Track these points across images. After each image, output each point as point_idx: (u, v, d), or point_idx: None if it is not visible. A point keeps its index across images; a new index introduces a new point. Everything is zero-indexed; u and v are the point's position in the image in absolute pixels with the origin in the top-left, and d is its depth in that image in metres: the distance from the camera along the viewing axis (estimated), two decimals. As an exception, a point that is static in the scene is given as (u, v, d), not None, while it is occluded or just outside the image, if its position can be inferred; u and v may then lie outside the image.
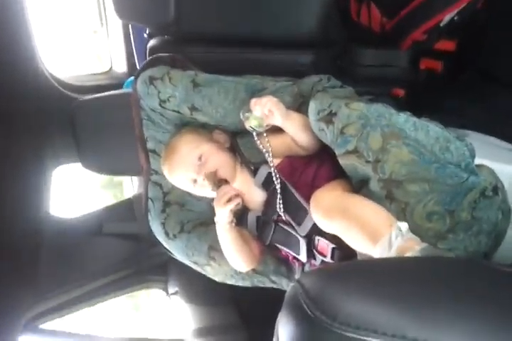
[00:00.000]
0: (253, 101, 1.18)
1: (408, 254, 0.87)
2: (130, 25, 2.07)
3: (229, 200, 1.21)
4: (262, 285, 1.46)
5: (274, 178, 1.21)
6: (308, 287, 0.59)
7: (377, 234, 0.93)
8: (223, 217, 1.25)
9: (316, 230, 1.14)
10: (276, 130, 1.22)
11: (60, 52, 2.64)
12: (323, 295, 0.57)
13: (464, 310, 0.53)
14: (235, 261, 1.33)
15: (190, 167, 1.26)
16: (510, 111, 1.30)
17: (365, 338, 0.51)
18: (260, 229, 1.31)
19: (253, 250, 1.34)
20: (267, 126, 1.19)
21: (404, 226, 0.92)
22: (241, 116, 1.20)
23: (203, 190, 1.28)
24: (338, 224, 1.01)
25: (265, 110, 1.15)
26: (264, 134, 1.22)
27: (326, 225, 1.05)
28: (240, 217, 1.34)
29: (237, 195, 1.22)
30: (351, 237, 1.00)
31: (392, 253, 0.89)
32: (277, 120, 1.17)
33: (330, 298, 0.56)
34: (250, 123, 1.19)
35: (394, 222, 0.95)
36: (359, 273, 0.62)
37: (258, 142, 1.23)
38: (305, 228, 1.18)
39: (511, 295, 0.57)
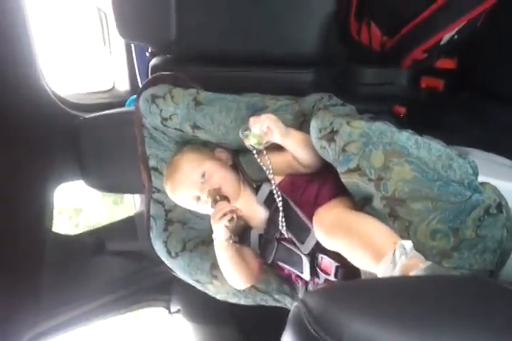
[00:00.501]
0: (252, 119, 1.18)
1: (412, 273, 0.86)
2: (132, 44, 2.10)
3: (224, 216, 1.20)
4: (265, 304, 1.45)
5: (275, 196, 1.21)
6: (311, 306, 0.58)
7: (380, 251, 0.93)
8: (219, 234, 1.24)
9: (319, 248, 1.13)
10: (277, 148, 1.22)
11: (63, 71, 2.66)
12: (327, 315, 0.56)
13: (468, 330, 0.52)
14: (232, 278, 1.33)
15: (193, 185, 1.26)
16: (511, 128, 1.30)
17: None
18: (263, 247, 1.30)
19: (252, 268, 1.33)
20: (266, 143, 1.19)
21: (408, 244, 0.91)
22: (240, 135, 1.21)
23: (206, 207, 1.27)
24: (341, 242, 1.01)
25: (263, 127, 1.15)
26: (264, 152, 1.22)
27: (328, 243, 1.04)
28: (243, 234, 1.34)
29: (232, 211, 1.21)
30: (354, 255, 0.99)
31: (396, 272, 0.88)
32: (276, 137, 1.17)
33: (334, 319, 0.55)
34: (249, 142, 1.19)
35: (397, 240, 0.94)
36: (362, 293, 0.62)
37: (258, 160, 1.23)
38: (308, 246, 1.17)
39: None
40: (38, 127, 1.69)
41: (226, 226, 1.21)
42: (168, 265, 1.47)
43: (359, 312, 0.57)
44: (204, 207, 1.29)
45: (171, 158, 1.39)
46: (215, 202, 1.23)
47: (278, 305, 1.44)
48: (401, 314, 0.56)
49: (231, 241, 1.26)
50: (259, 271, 1.36)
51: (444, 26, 1.26)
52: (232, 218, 1.20)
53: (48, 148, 1.76)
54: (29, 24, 1.56)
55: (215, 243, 1.28)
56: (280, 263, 1.30)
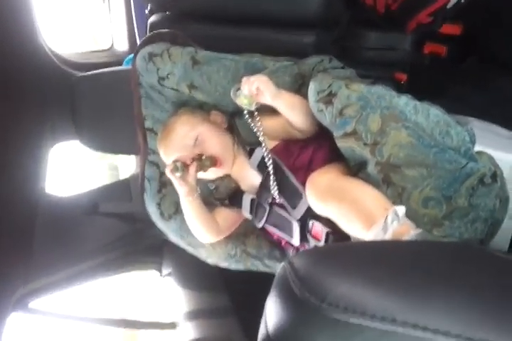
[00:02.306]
0: (244, 79, 1.16)
1: (403, 239, 0.86)
2: (132, 3, 2.05)
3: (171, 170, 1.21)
4: (256, 269, 1.45)
5: (266, 159, 1.19)
6: (297, 267, 0.57)
7: (371, 217, 0.92)
8: (178, 188, 1.25)
9: (310, 214, 1.13)
10: (272, 111, 1.20)
11: (61, 28, 2.62)
12: (312, 275, 0.55)
13: (456, 294, 0.51)
14: (195, 231, 1.34)
15: (185, 147, 1.24)
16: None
17: (353, 321, 0.50)
18: (255, 211, 1.30)
19: (223, 225, 1.36)
20: (256, 104, 1.17)
21: (401, 210, 0.90)
22: (232, 94, 1.19)
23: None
24: (333, 207, 1.00)
25: (253, 88, 1.13)
26: (256, 113, 1.20)
27: (320, 208, 1.03)
28: (234, 197, 1.34)
29: (186, 165, 1.21)
30: (345, 221, 0.98)
31: (387, 238, 0.88)
32: (266, 99, 1.15)
33: (319, 279, 0.54)
34: (240, 102, 1.17)
35: (389, 206, 0.94)
36: (350, 254, 0.61)
37: (249, 121, 1.20)
38: (299, 211, 1.17)
39: (507, 281, 0.55)
40: (34, 85, 1.66)
41: (178, 177, 1.21)
42: (161, 227, 1.47)
43: (345, 273, 0.56)
44: None
45: (167, 120, 1.37)
46: (200, 166, 1.22)
47: (268, 270, 1.45)
48: (388, 275, 0.55)
49: (195, 196, 1.26)
50: (230, 230, 1.39)
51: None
52: (175, 166, 1.20)
53: (43, 107, 1.74)
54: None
55: (180, 197, 1.29)
56: (270, 228, 1.30)
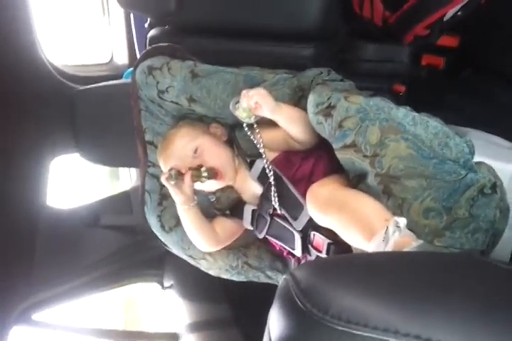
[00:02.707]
0: (243, 92, 1.16)
1: (404, 250, 0.86)
2: (132, 17, 2.07)
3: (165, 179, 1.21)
4: (257, 281, 1.46)
5: (267, 171, 1.19)
6: (299, 279, 0.57)
7: (372, 228, 0.92)
8: (173, 196, 1.26)
9: (312, 225, 1.13)
10: (272, 123, 1.20)
11: (61, 42, 2.63)
12: (315, 287, 0.55)
13: (458, 305, 0.52)
14: (195, 240, 1.35)
15: (184, 159, 1.25)
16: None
17: (355, 332, 0.50)
18: (256, 222, 1.30)
19: (222, 235, 1.36)
20: (255, 117, 1.17)
21: (402, 221, 0.91)
22: (231, 107, 1.19)
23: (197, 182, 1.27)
24: (334, 218, 1.00)
25: (251, 103, 1.13)
26: (255, 126, 1.20)
27: (321, 219, 1.04)
28: (236, 208, 1.35)
29: (180, 173, 1.21)
30: (346, 232, 0.99)
31: (388, 249, 0.88)
32: (265, 113, 1.15)
33: (321, 290, 0.55)
34: (240, 114, 1.17)
35: (390, 217, 0.94)
36: (352, 266, 0.61)
37: (249, 133, 1.20)
38: (301, 222, 1.17)
39: (509, 292, 0.56)
40: (34, 98, 1.67)
41: (173, 186, 1.21)
42: (162, 239, 1.47)
43: (348, 285, 0.56)
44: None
45: (167, 132, 1.38)
46: (196, 176, 1.22)
47: (270, 282, 1.45)
48: (391, 287, 0.55)
49: (191, 205, 1.27)
50: (229, 240, 1.39)
51: (448, 1, 1.24)
52: (170, 174, 1.20)
53: (43, 120, 1.74)
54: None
55: (177, 206, 1.30)
56: (272, 239, 1.30)
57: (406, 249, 0.86)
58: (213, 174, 1.24)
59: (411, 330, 0.49)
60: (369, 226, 0.93)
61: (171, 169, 1.23)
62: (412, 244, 0.87)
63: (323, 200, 1.03)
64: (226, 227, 1.37)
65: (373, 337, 0.49)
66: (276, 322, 0.56)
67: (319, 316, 0.52)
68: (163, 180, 1.22)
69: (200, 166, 1.23)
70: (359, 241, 0.95)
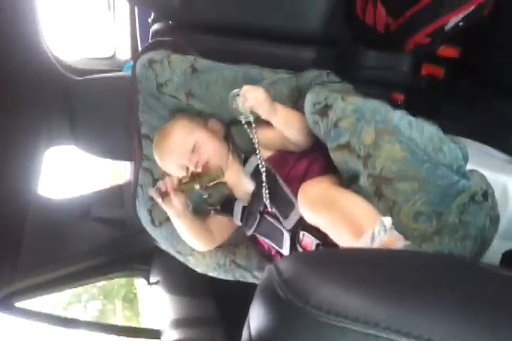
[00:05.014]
0: (245, 88, 1.12)
1: (391, 250, 0.86)
2: (136, 12, 2.07)
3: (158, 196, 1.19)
4: (244, 280, 1.45)
5: (260, 167, 1.19)
6: (282, 269, 0.57)
7: (360, 228, 0.93)
8: (166, 210, 1.24)
9: (301, 224, 1.13)
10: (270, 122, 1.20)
11: (66, 34, 2.64)
12: (297, 278, 0.55)
13: (441, 301, 0.51)
14: (189, 242, 1.34)
15: (182, 153, 1.24)
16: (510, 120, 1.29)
17: (336, 323, 0.50)
18: (245, 219, 1.30)
19: (217, 234, 1.37)
20: (253, 113, 1.15)
21: (388, 221, 0.91)
22: (230, 97, 1.15)
23: None
24: (323, 216, 1.00)
25: (246, 106, 1.12)
26: (253, 125, 1.19)
27: (310, 217, 1.04)
28: (226, 204, 1.34)
29: (163, 192, 1.18)
30: (334, 230, 0.99)
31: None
32: (261, 115, 1.15)
33: (304, 281, 0.54)
34: (237, 107, 1.14)
35: (378, 217, 0.94)
36: (336, 259, 0.61)
37: (248, 130, 1.19)
38: (291, 221, 1.17)
39: (496, 294, 0.55)
40: (33, 87, 1.67)
41: (160, 202, 1.19)
42: (151, 234, 1.47)
43: (330, 276, 0.56)
44: None
45: (163, 124, 1.38)
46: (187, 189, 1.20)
47: (257, 282, 1.44)
48: (372, 280, 0.55)
49: (181, 217, 1.24)
50: (224, 238, 1.39)
51: (450, 10, 1.24)
52: (164, 193, 1.17)
53: (41, 109, 1.74)
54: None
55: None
56: (260, 237, 1.29)
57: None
58: (206, 181, 1.22)
59: (391, 324, 0.49)
60: (357, 226, 0.94)
61: (157, 187, 1.20)
62: (399, 244, 0.87)
63: (314, 198, 1.03)
64: (221, 225, 1.37)
65: (354, 330, 0.49)
66: (256, 312, 0.56)
67: (299, 306, 0.51)
68: (151, 194, 1.21)
69: (193, 178, 1.21)
70: (347, 241, 0.95)
